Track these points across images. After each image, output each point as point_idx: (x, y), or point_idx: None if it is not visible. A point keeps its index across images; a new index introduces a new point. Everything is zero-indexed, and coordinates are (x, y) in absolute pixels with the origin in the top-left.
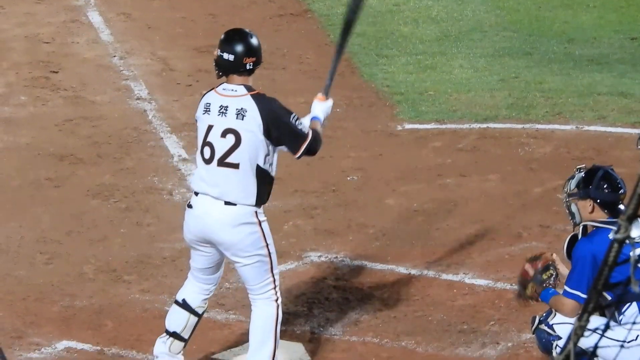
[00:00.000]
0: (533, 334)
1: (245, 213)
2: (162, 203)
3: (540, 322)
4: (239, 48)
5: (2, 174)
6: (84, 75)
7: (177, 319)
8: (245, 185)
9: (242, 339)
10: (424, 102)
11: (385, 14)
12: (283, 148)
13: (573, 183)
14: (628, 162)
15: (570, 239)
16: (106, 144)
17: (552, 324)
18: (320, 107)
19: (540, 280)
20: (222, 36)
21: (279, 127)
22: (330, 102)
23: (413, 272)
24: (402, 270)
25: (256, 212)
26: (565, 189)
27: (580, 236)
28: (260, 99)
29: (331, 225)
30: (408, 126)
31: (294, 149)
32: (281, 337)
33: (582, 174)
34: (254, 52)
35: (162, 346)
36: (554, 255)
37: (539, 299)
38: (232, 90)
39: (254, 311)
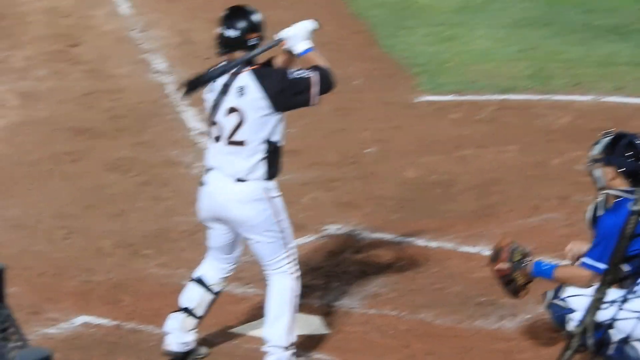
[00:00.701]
0: (546, 309)
1: (255, 189)
2: (180, 177)
3: (552, 297)
4: (242, 24)
5: (20, 149)
6: (102, 49)
7: (190, 295)
8: (253, 160)
9: (259, 313)
10: (442, 74)
11: None
12: (298, 107)
13: (598, 148)
14: None
15: (593, 209)
16: (124, 118)
17: (565, 298)
18: (292, 43)
19: (519, 265)
20: (224, 13)
21: (284, 93)
22: (285, 33)
23: (431, 244)
24: (420, 242)
25: (267, 188)
26: (590, 154)
27: (602, 206)
28: (259, 72)
29: (350, 197)
30: (427, 98)
31: (307, 102)
32: (299, 311)
33: (608, 139)
34: (257, 28)
35: (174, 322)
36: (505, 240)
37: (534, 277)
38: (231, 64)
39: (270, 285)
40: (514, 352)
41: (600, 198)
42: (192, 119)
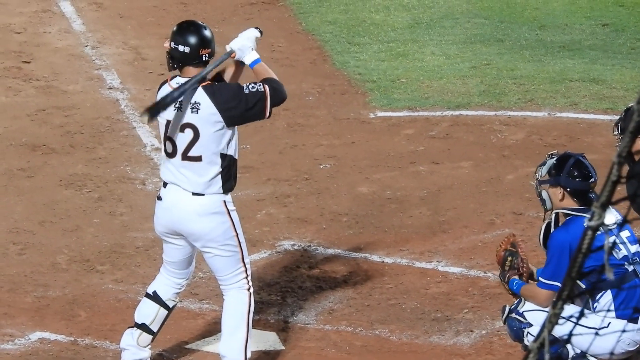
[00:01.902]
0: (504, 323)
1: (213, 203)
2: (135, 192)
3: (510, 311)
4: (195, 40)
5: None
6: (56, 65)
7: (146, 311)
8: (209, 175)
9: (215, 329)
10: (396, 90)
11: (356, 2)
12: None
13: (544, 169)
14: (600, 149)
15: (545, 228)
16: (79, 134)
17: (523, 312)
18: (242, 54)
19: (502, 276)
20: (175, 28)
21: (238, 107)
22: (233, 45)
23: (386, 260)
24: (375, 258)
25: (224, 201)
26: (537, 175)
27: (553, 225)
28: (212, 89)
29: (304, 213)
30: (380, 114)
31: (260, 115)
32: (254, 326)
33: (554, 160)
34: (208, 43)
35: (130, 338)
36: (506, 242)
37: (510, 289)
38: (184, 83)
39: (227, 300)
40: None
41: (551, 217)
42: (147, 134)
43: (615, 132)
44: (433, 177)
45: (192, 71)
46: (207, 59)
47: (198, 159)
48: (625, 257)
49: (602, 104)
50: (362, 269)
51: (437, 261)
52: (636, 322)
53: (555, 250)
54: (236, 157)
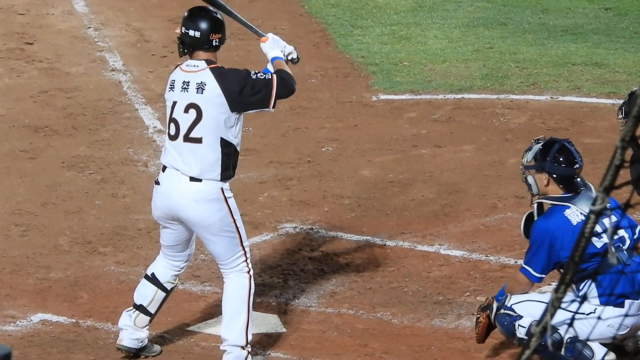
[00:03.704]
0: (494, 322)
1: (210, 189)
2: (137, 174)
3: (498, 308)
4: (205, 24)
5: None
6: (59, 47)
7: (144, 292)
8: (209, 159)
9: (217, 311)
10: (398, 73)
11: None
12: (257, 111)
13: (530, 155)
14: (603, 133)
15: (526, 218)
16: (81, 116)
17: (511, 305)
18: (269, 46)
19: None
20: (186, 13)
21: (242, 91)
22: (271, 35)
23: (388, 243)
24: (377, 241)
25: (222, 188)
26: (523, 160)
27: (536, 214)
28: (218, 71)
29: (306, 196)
30: (383, 97)
31: (265, 103)
32: (256, 309)
33: (539, 146)
34: (219, 28)
35: (128, 319)
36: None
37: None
38: (195, 65)
39: (227, 283)
40: (471, 351)
41: (533, 207)
42: (149, 116)
43: (620, 116)
44: (435, 160)
45: (202, 55)
46: (217, 44)
47: (199, 140)
48: (605, 245)
49: (605, 87)
50: (364, 252)
51: (439, 244)
52: (622, 307)
53: (536, 239)
54: (238, 148)
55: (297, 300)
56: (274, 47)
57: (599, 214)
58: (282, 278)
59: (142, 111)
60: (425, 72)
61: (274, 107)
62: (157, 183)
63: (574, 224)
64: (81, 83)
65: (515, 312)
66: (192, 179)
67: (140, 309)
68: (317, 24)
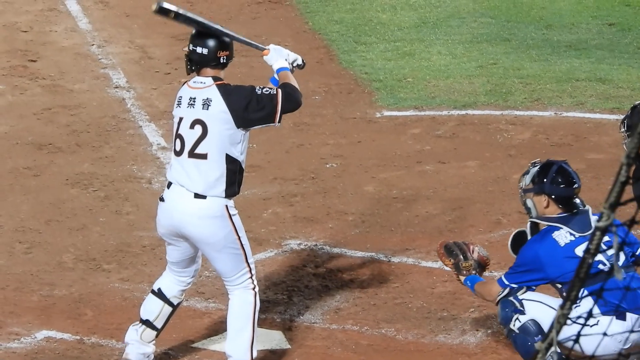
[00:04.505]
0: (496, 303)
1: (214, 206)
2: (141, 191)
3: (509, 294)
4: (213, 42)
5: None
6: (62, 64)
7: (150, 307)
8: (214, 175)
9: (221, 328)
10: (402, 89)
11: (363, 1)
12: (262, 127)
13: (528, 178)
14: (607, 148)
15: (516, 234)
16: (85, 133)
17: (522, 299)
18: (273, 58)
19: (458, 269)
20: (194, 31)
21: (247, 107)
22: (272, 46)
23: (392, 259)
24: (381, 257)
25: (227, 205)
26: (521, 184)
27: (529, 234)
28: (225, 88)
29: (310, 212)
30: (387, 113)
31: (270, 118)
32: (260, 325)
33: (537, 168)
34: (227, 46)
35: (134, 334)
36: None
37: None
38: (202, 82)
39: (232, 300)
40: None
41: (527, 225)
42: (153, 133)
43: (622, 130)
44: (439, 176)
45: (209, 72)
46: (224, 61)
47: (204, 156)
48: (597, 262)
49: (609, 103)
50: (368, 268)
51: None
52: (624, 319)
53: (526, 259)
54: (243, 165)
55: (301, 317)
56: (278, 57)
57: (605, 231)
58: (286, 294)
59: (145, 128)
60: (429, 88)
61: (279, 121)
62: (162, 200)
63: (562, 245)
64: (85, 100)
65: (522, 307)
66: (197, 195)
67: (147, 323)
68: (321, 40)
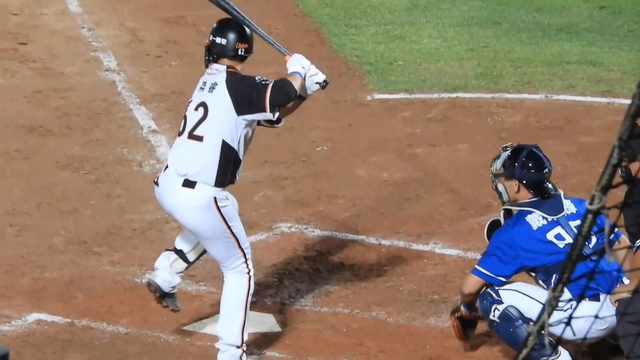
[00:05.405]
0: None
1: (202, 197)
2: (132, 174)
3: (487, 286)
4: (233, 33)
5: None
6: (52, 47)
7: (186, 239)
8: (207, 159)
9: (212, 311)
10: (393, 72)
11: None
12: (257, 116)
13: (499, 163)
14: (598, 131)
15: (491, 223)
16: (75, 116)
17: (498, 290)
18: (291, 63)
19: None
20: (215, 24)
21: (243, 92)
22: (296, 54)
23: (383, 242)
24: (372, 240)
25: (215, 197)
26: (492, 169)
27: (503, 220)
28: (232, 75)
29: (301, 196)
30: (377, 96)
31: (260, 106)
32: (252, 309)
33: (508, 153)
34: (246, 39)
35: (165, 261)
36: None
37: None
38: (216, 69)
39: (226, 283)
40: (467, 350)
41: (500, 213)
42: (143, 116)
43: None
44: (430, 159)
45: (226, 62)
46: (242, 53)
47: (200, 139)
48: (568, 245)
49: (600, 86)
50: (359, 252)
51: (434, 243)
52: (597, 301)
53: (500, 242)
54: (240, 157)
55: (292, 300)
56: (296, 64)
57: (596, 214)
58: (277, 277)
59: (136, 111)
60: (420, 71)
61: (277, 117)
62: (156, 184)
63: (534, 229)
64: (75, 83)
65: (499, 296)
66: (186, 183)
67: (180, 254)
68: (312, 23)
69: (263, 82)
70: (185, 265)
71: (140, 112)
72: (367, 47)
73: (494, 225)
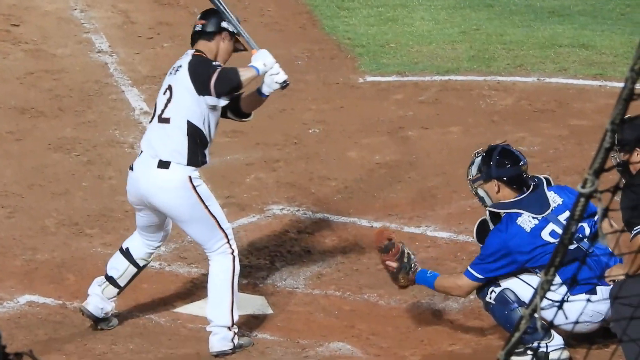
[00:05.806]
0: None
1: (177, 177)
2: (123, 156)
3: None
4: (199, 16)
5: None
6: (45, 29)
7: (116, 265)
8: (176, 140)
9: (204, 293)
10: (385, 55)
11: None
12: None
13: (474, 169)
14: (590, 114)
15: (480, 224)
16: (67, 97)
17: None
18: (256, 58)
19: (407, 267)
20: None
21: (200, 72)
22: (263, 50)
23: (375, 224)
24: (364, 223)
25: (190, 176)
26: (469, 177)
27: (490, 223)
28: (195, 57)
29: (293, 178)
30: (369, 78)
31: (206, 87)
32: (243, 290)
33: (480, 157)
34: (204, 16)
35: (97, 288)
36: (400, 243)
37: (416, 283)
38: (186, 53)
39: (211, 265)
40: (458, 332)
41: (486, 214)
42: (135, 98)
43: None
44: (422, 142)
45: (199, 45)
46: (199, 29)
47: (167, 120)
48: (556, 234)
49: (592, 69)
50: (351, 234)
51: (426, 226)
52: (594, 294)
53: (494, 249)
54: (208, 138)
55: (283, 282)
56: (259, 59)
57: (589, 197)
58: (268, 260)
59: (128, 93)
60: (412, 53)
61: (221, 99)
62: (131, 169)
63: (528, 231)
64: (67, 65)
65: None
66: (161, 164)
67: (111, 280)
68: (304, 5)
69: (214, 67)
70: (117, 290)
71: (132, 93)
72: (360, 29)
73: (483, 225)
